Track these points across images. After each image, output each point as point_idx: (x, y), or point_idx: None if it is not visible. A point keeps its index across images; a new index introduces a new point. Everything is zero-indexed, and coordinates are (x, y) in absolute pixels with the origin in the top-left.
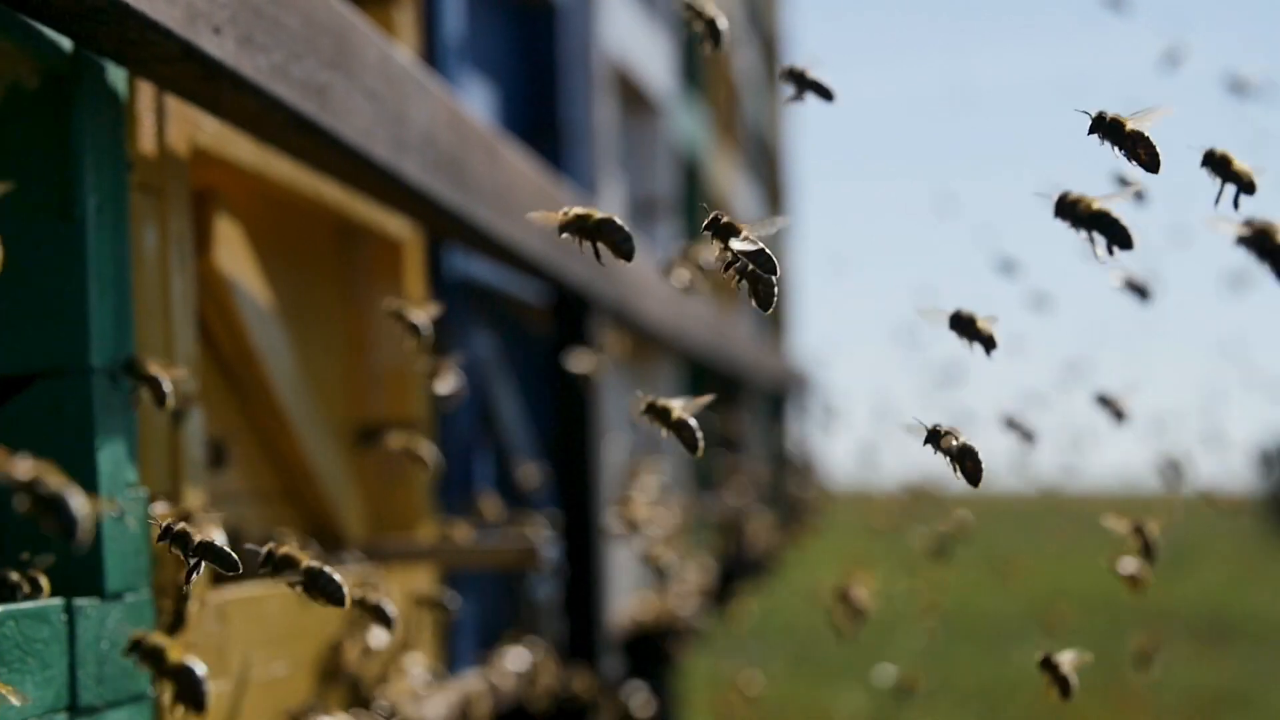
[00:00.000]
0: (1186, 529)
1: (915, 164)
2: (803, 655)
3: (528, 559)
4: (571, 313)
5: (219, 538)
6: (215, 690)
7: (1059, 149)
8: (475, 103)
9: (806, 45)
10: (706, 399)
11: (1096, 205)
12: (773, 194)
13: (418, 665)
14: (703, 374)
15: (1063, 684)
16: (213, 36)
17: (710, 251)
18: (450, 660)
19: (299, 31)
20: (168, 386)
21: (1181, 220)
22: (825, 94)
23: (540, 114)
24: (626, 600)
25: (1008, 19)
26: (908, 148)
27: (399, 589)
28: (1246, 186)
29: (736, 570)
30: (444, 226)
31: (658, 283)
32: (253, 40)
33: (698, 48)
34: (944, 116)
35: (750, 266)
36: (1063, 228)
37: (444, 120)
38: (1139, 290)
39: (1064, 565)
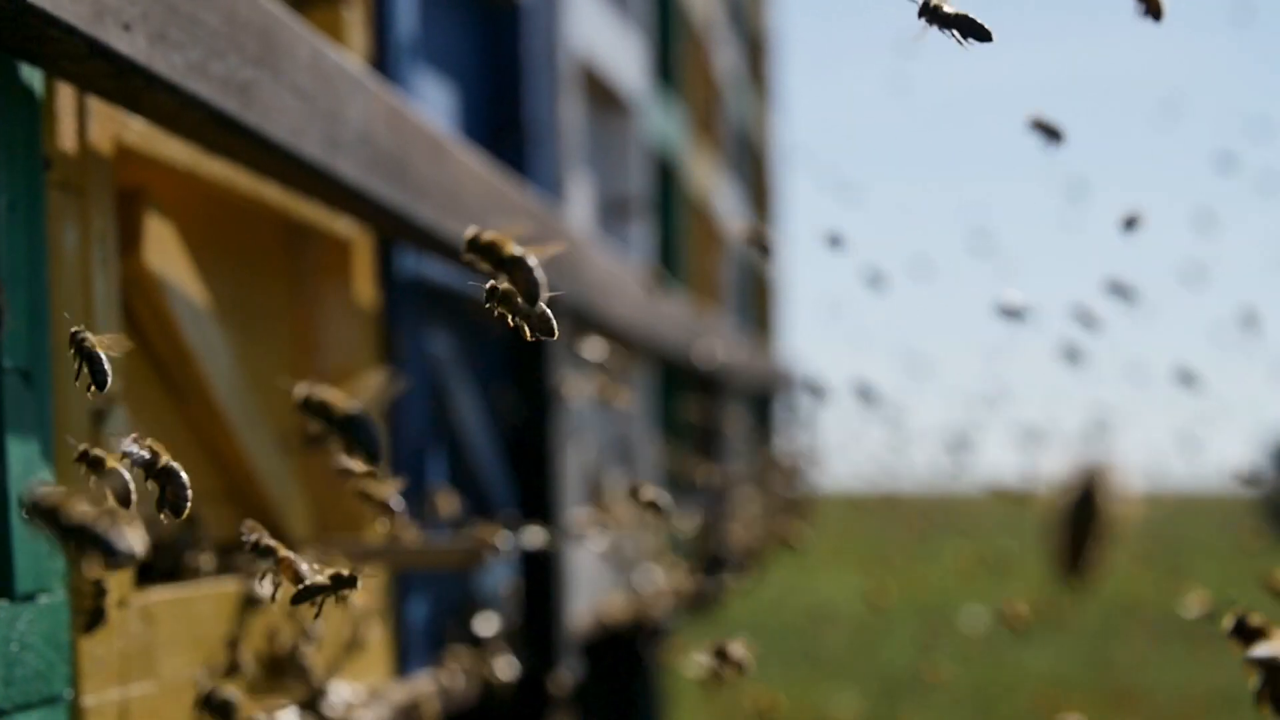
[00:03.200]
0: (1186, 529)
1: (910, 165)
2: (797, 655)
3: (478, 559)
4: None
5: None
6: (140, 693)
7: (1059, 152)
8: (434, 103)
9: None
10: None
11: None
12: (758, 195)
13: (344, 688)
14: (678, 376)
15: None
16: (122, 34)
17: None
18: (402, 661)
19: (219, 29)
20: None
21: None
22: None
23: (504, 114)
24: (592, 601)
25: (1006, 18)
26: (901, 148)
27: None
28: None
29: (719, 572)
30: (387, 226)
31: (625, 282)
32: (167, 37)
33: (672, 45)
34: (942, 116)
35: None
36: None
37: (382, 118)
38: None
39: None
